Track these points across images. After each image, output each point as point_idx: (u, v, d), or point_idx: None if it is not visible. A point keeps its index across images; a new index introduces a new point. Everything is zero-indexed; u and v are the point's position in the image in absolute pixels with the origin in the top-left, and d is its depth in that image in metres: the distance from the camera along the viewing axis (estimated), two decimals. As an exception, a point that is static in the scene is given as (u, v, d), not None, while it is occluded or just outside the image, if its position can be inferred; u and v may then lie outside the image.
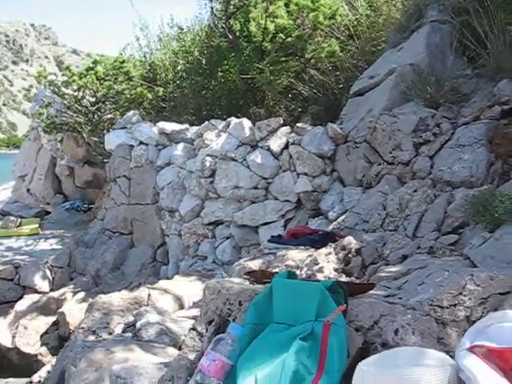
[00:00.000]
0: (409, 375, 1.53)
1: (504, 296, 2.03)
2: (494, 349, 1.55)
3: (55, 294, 7.24)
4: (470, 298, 2.03)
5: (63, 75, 11.05)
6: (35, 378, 4.77)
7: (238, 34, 8.29)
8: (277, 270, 3.01)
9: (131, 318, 3.63)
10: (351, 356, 1.88)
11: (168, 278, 5.69)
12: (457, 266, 2.70)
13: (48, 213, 12.03)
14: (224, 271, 5.23)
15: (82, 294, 6.94)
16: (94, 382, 2.64)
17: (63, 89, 10.75)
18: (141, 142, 7.62)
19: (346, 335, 1.90)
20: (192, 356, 2.43)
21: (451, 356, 1.66)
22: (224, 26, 8.39)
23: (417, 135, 4.71)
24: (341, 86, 6.95)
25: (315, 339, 1.87)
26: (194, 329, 3.21)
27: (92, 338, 3.51)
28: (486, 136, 4.40)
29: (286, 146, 5.83)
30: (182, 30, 10.12)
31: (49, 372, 4.68)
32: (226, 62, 8.49)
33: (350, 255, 3.21)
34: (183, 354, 2.37)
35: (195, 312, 3.80)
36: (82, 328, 3.67)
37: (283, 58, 7.64)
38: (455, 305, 2.03)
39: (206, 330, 2.35)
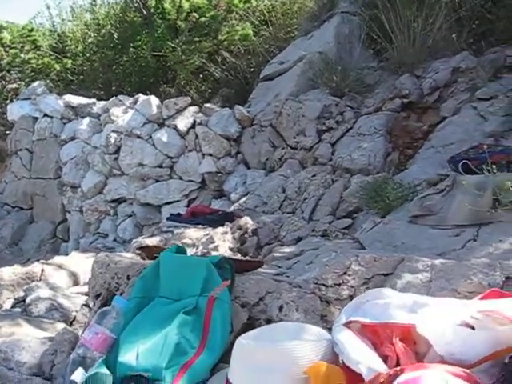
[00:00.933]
0: (284, 348, 1.57)
1: (386, 277, 2.11)
2: (367, 324, 1.61)
3: None
4: (354, 278, 2.11)
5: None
6: None
7: (152, 10, 8.14)
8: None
9: (22, 294, 3.52)
10: (235, 331, 1.91)
11: (67, 255, 5.56)
12: (346, 248, 2.80)
13: None
14: (124, 249, 5.15)
15: (-26, 271, 6.66)
16: (-25, 357, 2.54)
17: (-36, 54, 10.21)
18: (45, 115, 7.35)
19: (231, 310, 1.92)
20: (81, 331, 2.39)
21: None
22: (139, 0, 8.22)
23: (320, 122, 4.82)
24: (252, 69, 6.99)
25: (199, 314, 1.89)
26: (86, 305, 3.17)
27: (-23, 313, 3.39)
28: (386, 127, 4.57)
29: (193, 126, 5.80)
30: (96, 1, 9.82)
31: None
32: (139, 38, 8.32)
33: (246, 235, 3.25)
34: (68, 328, 2.33)
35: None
36: (-32, 303, 3.53)
37: (197, 38, 7.60)
38: (339, 284, 2.10)
39: (94, 304, 2.32)
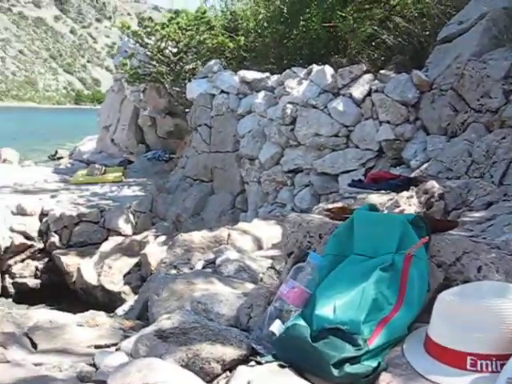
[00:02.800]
0: (492, 306, 1.51)
1: None
2: None
3: (138, 237, 7.53)
4: None
5: (146, 26, 11.25)
6: (119, 311, 4.99)
7: (320, -20, 8.11)
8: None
9: (211, 256, 3.73)
10: (432, 291, 1.86)
11: (248, 224, 5.79)
12: (547, 212, 2.61)
13: (131, 162, 12.42)
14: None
15: (163, 238, 7.17)
16: (176, 310, 2.74)
17: (146, 39, 10.94)
18: (222, 91, 7.67)
19: (427, 269, 1.88)
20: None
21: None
22: (307, -27, 8.23)
23: (507, 82, 4.50)
24: (427, 33, 6.69)
25: (395, 271, 1.86)
26: (272, 267, 3.26)
27: (173, 272, 3.65)
28: None
29: (369, 94, 5.72)
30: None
31: (132, 306, 4.90)
32: (308, 10, 8.34)
33: (432, 199, 3.14)
34: (262, 284, 2.42)
35: (273, 253, 3.85)
36: (164, 263, 3.82)
37: (367, 6, 7.44)
38: (546, 247, 1.96)
39: (286, 262, 2.38)
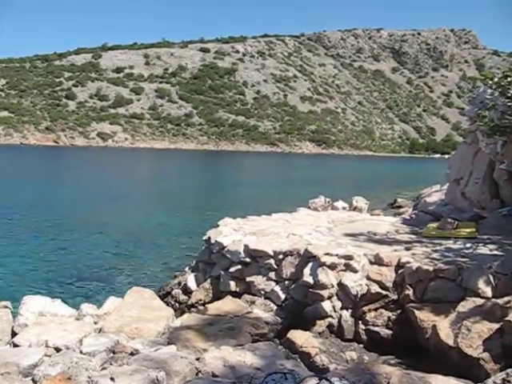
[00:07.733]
0: None
1: None
2: None
3: (499, 301, 7.07)
4: None
5: (507, 76, 10.78)
6: (489, 382, 4.67)
7: None
8: None
9: None
10: None
11: None
12: None
13: (482, 217, 11.91)
14: None
15: (528, 305, 6.62)
16: None
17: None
18: None
19: None
20: None
21: None
22: None
23: None
24: None
25: None
26: None
27: None
28: None
29: None
30: None
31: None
32: None
33: None
34: None
35: None
36: None
37: None
38: None
39: None
